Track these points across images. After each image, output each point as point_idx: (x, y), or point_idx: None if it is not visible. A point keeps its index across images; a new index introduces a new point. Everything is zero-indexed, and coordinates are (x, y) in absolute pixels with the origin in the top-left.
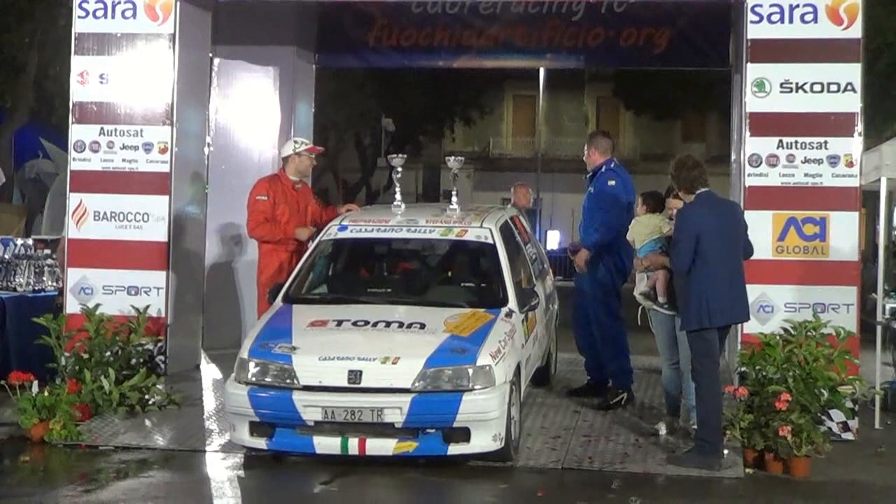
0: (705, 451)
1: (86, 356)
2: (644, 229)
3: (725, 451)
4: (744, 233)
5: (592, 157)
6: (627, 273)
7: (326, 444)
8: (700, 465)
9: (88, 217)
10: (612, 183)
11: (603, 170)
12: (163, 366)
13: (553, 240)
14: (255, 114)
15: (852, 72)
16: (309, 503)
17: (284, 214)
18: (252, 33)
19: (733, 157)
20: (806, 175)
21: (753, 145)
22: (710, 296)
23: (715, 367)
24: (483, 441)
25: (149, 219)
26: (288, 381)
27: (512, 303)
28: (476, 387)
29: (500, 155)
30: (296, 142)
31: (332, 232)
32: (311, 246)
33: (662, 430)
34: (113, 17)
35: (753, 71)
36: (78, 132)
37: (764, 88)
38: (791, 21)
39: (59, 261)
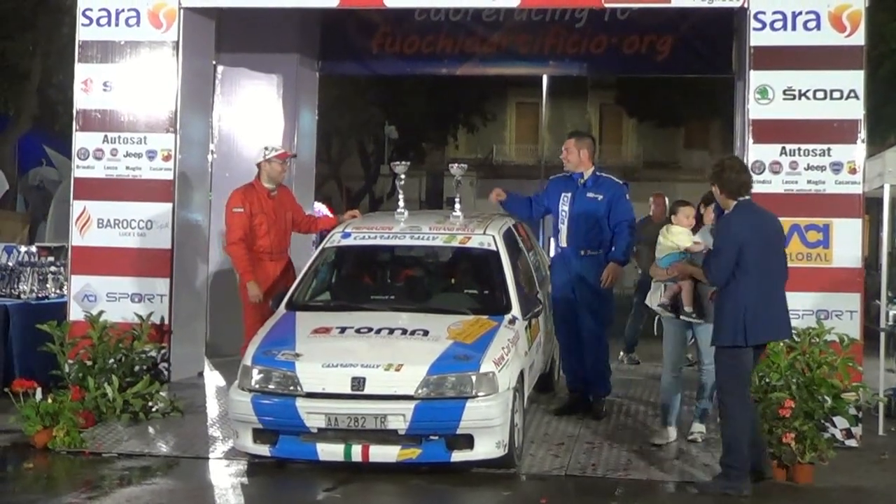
0: (731, 477)
1: (89, 363)
2: (676, 238)
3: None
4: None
5: (582, 159)
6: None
7: (330, 451)
8: (728, 490)
9: (92, 224)
10: (628, 197)
11: (598, 174)
12: (166, 373)
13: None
14: (259, 121)
15: (855, 79)
16: None
17: (262, 225)
18: (255, 41)
19: None
20: (809, 182)
21: (756, 152)
22: (747, 311)
23: (745, 389)
24: (486, 448)
25: (152, 226)
26: (291, 388)
27: (515, 310)
28: (479, 394)
29: (504, 162)
30: (266, 148)
31: (335, 239)
32: (315, 253)
33: (662, 440)
34: (116, 24)
35: (756, 78)
36: (81, 140)
37: (767, 95)
38: (794, 28)
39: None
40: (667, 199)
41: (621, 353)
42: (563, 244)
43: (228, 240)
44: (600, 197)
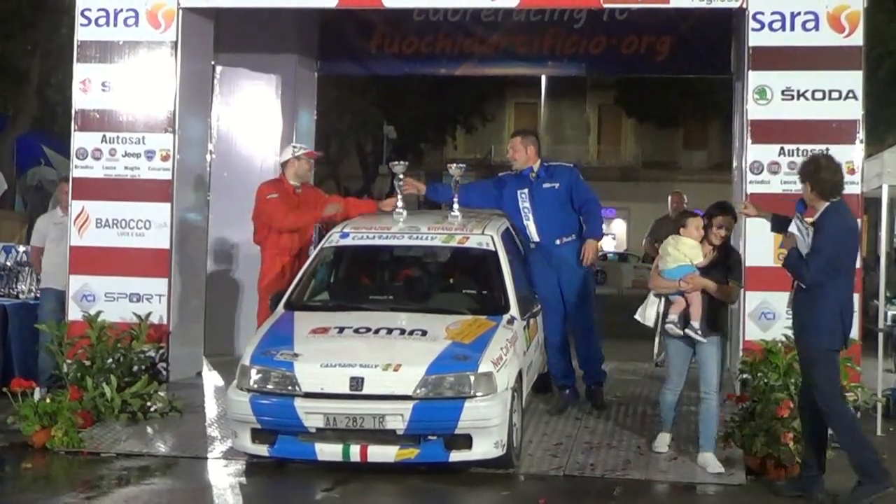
0: (876, 478)
1: (88, 363)
2: (688, 251)
3: (728, 458)
4: None
5: (529, 155)
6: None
7: (328, 451)
8: (881, 492)
9: (90, 224)
10: (581, 177)
11: (547, 165)
12: (164, 373)
13: None
14: (257, 121)
15: (854, 79)
16: None
17: None
18: (254, 41)
19: (735, 164)
20: None
21: (755, 152)
22: (844, 313)
23: (843, 393)
24: (485, 448)
25: (151, 226)
26: (290, 388)
27: (513, 310)
28: (478, 394)
29: (502, 162)
30: (294, 147)
31: (333, 239)
32: (313, 253)
33: (663, 447)
34: (115, 24)
35: (755, 78)
36: (80, 139)
37: (765, 96)
38: (792, 29)
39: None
40: (685, 197)
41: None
42: (536, 239)
43: (279, 217)
44: (557, 185)
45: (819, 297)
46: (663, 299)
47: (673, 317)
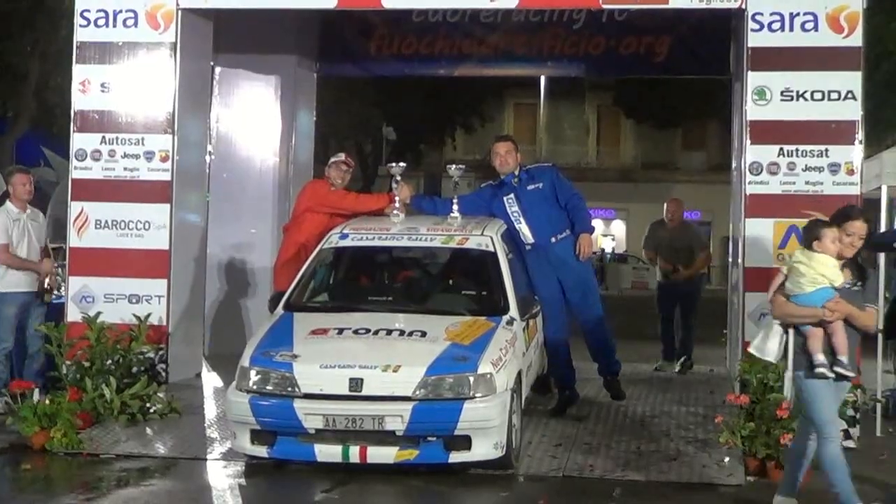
0: None
1: (87, 364)
2: (828, 271)
3: (727, 459)
4: None
5: (518, 160)
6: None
7: (328, 452)
8: None
9: (90, 225)
10: (562, 174)
11: (526, 168)
12: (164, 374)
13: None
14: (256, 122)
15: (853, 80)
16: None
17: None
18: (253, 42)
19: (734, 165)
20: (807, 183)
21: (754, 153)
22: None
23: None
24: (484, 449)
25: (150, 227)
26: (289, 389)
27: (513, 311)
28: (477, 395)
29: None
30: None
31: (333, 240)
32: (313, 254)
33: None
34: (114, 25)
35: (754, 79)
36: (79, 141)
37: (765, 96)
38: (792, 29)
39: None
40: (684, 205)
41: (660, 361)
42: (532, 240)
43: (350, 204)
44: (541, 185)
45: None
46: (791, 331)
47: (821, 357)
